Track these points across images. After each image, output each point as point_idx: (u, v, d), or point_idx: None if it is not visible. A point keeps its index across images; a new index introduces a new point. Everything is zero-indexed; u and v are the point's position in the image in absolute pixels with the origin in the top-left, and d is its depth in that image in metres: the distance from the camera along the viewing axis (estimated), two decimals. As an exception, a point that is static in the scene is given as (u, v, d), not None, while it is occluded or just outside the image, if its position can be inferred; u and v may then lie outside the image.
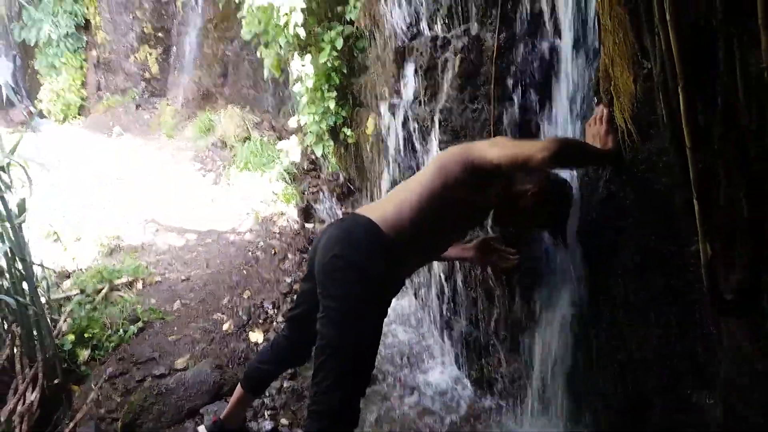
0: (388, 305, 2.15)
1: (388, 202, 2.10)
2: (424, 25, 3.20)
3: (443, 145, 2.73)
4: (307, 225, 5.18)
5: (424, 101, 3.06)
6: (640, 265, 1.84)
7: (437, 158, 2.07)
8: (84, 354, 3.92)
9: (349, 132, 5.09)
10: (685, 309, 1.67)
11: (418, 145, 3.29)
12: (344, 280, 1.96)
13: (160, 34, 10.58)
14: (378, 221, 2.00)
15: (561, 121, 2.30)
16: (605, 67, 1.87)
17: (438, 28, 2.99)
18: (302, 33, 4.84)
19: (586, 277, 2.14)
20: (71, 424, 3.19)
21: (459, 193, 1.97)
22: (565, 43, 2.23)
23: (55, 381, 3.50)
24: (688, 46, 1.37)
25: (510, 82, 2.42)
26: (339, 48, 4.85)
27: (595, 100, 2.02)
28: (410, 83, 3.29)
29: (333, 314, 1.96)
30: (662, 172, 1.68)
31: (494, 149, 1.91)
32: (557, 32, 2.27)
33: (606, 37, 1.80)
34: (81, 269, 4.85)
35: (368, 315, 2.00)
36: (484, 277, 2.71)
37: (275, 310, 3.80)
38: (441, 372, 3.19)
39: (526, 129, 2.42)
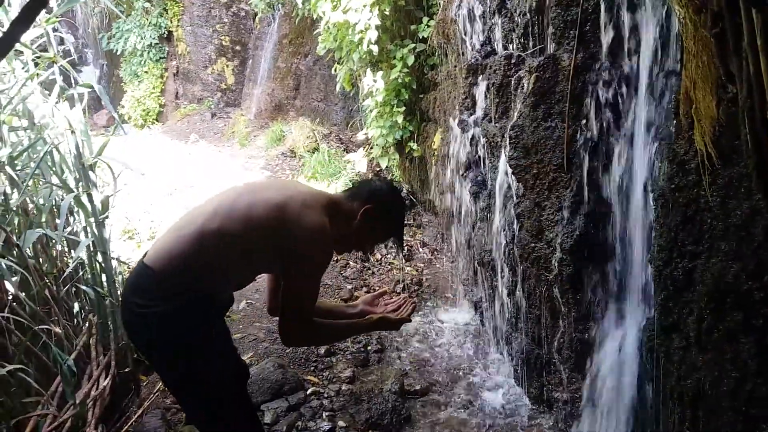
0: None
1: None
2: (498, 43, 3.25)
3: (513, 161, 2.75)
4: (369, 236, 5.26)
5: (495, 118, 3.09)
6: (716, 298, 1.78)
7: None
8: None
9: (415, 146, 5.17)
10: (765, 349, 1.60)
11: (486, 161, 3.33)
12: None
13: (237, 47, 11.03)
14: None
15: (637, 143, 2.29)
16: (686, 90, 1.86)
17: (512, 47, 3.04)
18: (375, 50, 4.97)
19: (658, 305, 2.11)
20: (139, 412, 3.35)
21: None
22: (644, 64, 2.23)
23: (126, 369, 3.68)
24: (777, 70, 1.36)
25: (586, 101, 2.43)
26: (410, 65, 4.95)
27: (674, 123, 2.01)
28: (481, 100, 3.33)
29: None
30: (743, 198, 1.65)
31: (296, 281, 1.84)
32: (637, 54, 2.28)
33: (688, 60, 1.79)
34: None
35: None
36: (550, 294, 2.70)
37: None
38: (498, 387, 3.18)
39: (601, 149, 2.42)
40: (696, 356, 1.93)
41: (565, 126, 2.49)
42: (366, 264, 4.66)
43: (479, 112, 3.40)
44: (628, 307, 2.41)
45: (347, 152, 6.58)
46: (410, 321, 2.19)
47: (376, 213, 1.97)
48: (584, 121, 2.45)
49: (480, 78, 3.35)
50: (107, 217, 3.75)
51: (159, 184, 6.66)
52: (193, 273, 1.81)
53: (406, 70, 4.99)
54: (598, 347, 2.52)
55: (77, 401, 3.13)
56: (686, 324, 1.96)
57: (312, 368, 3.32)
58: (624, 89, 2.35)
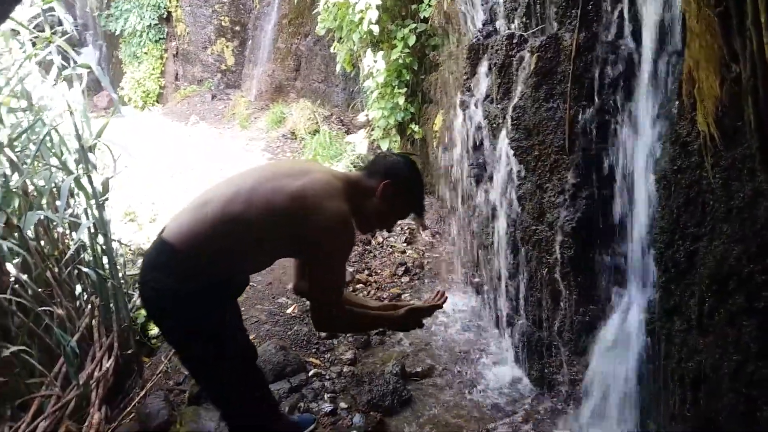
0: None
1: None
2: (500, 23, 3.21)
3: (514, 143, 2.73)
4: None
5: (497, 99, 3.06)
6: (718, 280, 1.76)
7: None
8: (155, 328, 4.13)
9: (416, 128, 5.14)
10: (767, 332, 1.58)
11: (487, 143, 3.30)
12: None
13: (237, 28, 10.93)
14: None
15: (639, 124, 2.27)
16: (689, 70, 1.83)
17: (514, 26, 3.00)
18: (376, 30, 4.92)
19: (660, 287, 2.10)
20: (142, 393, 3.37)
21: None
22: (647, 44, 2.19)
23: (129, 351, 3.71)
24: (782, 49, 1.34)
25: (588, 82, 2.40)
26: (411, 45, 4.91)
27: (677, 104, 1.99)
28: (483, 80, 3.30)
29: None
30: (746, 180, 1.63)
31: (321, 268, 1.87)
32: (639, 34, 2.24)
33: (692, 40, 1.77)
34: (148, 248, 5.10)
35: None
36: (551, 277, 2.70)
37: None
38: (500, 369, 3.19)
39: (603, 130, 2.40)
40: (697, 339, 1.93)
41: (567, 107, 2.46)
42: (367, 247, 4.66)
43: (481, 93, 3.37)
44: (630, 289, 2.40)
45: (348, 134, 6.56)
46: (441, 307, 2.18)
47: (395, 189, 1.96)
48: (586, 102, 2.43)
49: (481, 58, 3.32)
50: (107, 199, 3.75)
51: (160, 167, 6.65)
52: (213, 256, 1.83)
53: (407, 50, 4.95)
54: (599, 330, 2.52)
55: (80, 382, 3.15)
56: (688, 306, 1.96)
57: (314, 350, 3.34)
58: (626, 70, 2.32)
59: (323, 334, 3.43)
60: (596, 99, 2.40)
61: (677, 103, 1.98)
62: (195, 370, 2.04)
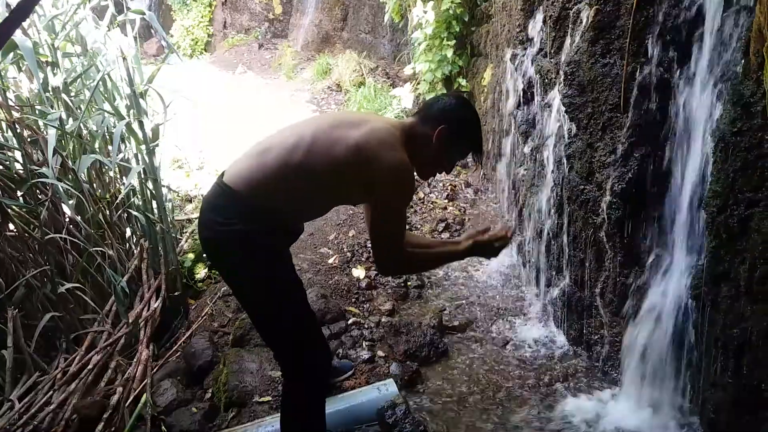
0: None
1: None
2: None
3: (566, 99, 2.65)
4: (413, 173, 5.23)
5: (550, 53, 2.97)
6: None
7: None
8: (201, 272, 4.26)
9: (464, 82, 5.04)
10: None
11: (537, 98, 3.22)
12: None
13: (285, -25, 10.79)
14: None
15: (699, 83, 2.17)
16: (759, 27, 1.74)
17: (573, -23, 2.87)
18: (427, -22, 4.79)
19: (709, 252, 2.05)
20: (187, 333, 3.51)
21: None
22: (714, -1, 2.08)
23: (176, 293, 3.85)
24: None
25: (648, 38, 2.30)
26: (463, -5, 4.77)
27: (742, 62, 1.89)
28: (537, 34, 3.19)
29: None
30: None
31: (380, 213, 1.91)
32: (707, -14, 2.13)
33: (765, -6, 1.67)
34: (202, 195, 5.22)
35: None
36: (596, 238, 2.66)
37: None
38: (537, 327, 3.19)
39: (661, 88, 2.31)
40: (745, 306, 1.89)
41: (624, 63, 2.37)
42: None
43: (534, 47, 3.27)
44: (676, 253, 2.35)
45: (393, 87, 6.47)
46: (508, 245, 2.18)
47: (451, 132, 1.95)
48: (644, 59, 2.33)
49: (536, 10, 3.21)
50: (158, 145, 3.83)
51: (207, 115, 6.73)
52: (273, 203, 1.89)
53: (458, 0, 4.81)
54: (642, 292, 2.49)
55: (130, 321, 3.30)
56: (737, 273, 1.91)
57: (353, 300, 3.39)
58: (690, 25, 2.21)
59: (363, 285, 3.48)
60: (655, 56, 2.30)
61: (743, 61, 1.89)
62: (252, 308, 2.09)
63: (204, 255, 3.98)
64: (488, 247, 2.14)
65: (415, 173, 1.98)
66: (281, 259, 1.99)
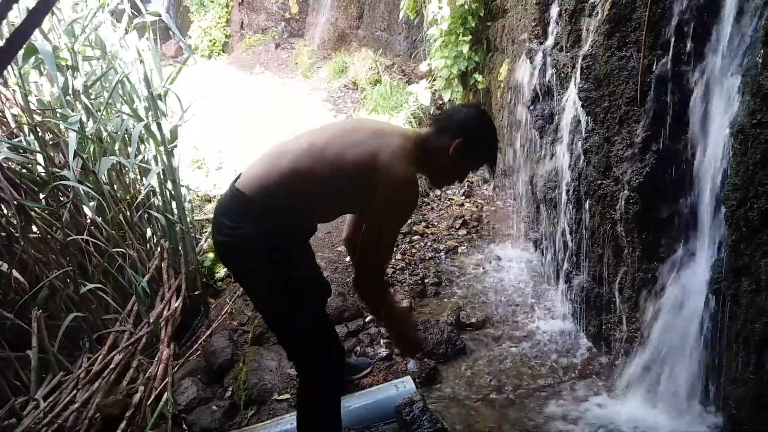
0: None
1: None
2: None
3: (583, 93, 2.63)
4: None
5: (566, 47, 2.94)
6: None
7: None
8: (221, 271, 4.30)
9: (480, 78, 5.01)
10: None
11: (554, 93, 3.19)
12: None
13: (301, -25, 10.82)
14: None
15: (718, 75, 2.13)
16: (779, 16, 1.71)
17: (588, -30, 2.84)
18: (442, -26, 4.77)
19: (729, 246, 2.01)
20: (208, 332, 3.55)
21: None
22: (733, -13, 2.04)
23: (195, 292, 3.89)
24: None
25: (665, 29, 2.26)
26: (478, -10, 4.74)
27: (761, 53, 1.85)
28: (553, 27, 3.17)
29: None
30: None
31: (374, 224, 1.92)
32: (724, -25, 2.09)
33: (785, -19, 1.64)
34: (221, 195, 5.26)
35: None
36: (614, 233, 2.63)
37: (394, 248, 3.92)
38: (555, 323, 3.17)
39: (678, 81, 2.27)
40: (766, 300, 1.86)
41: (640, 56, 2.34)
42: (425, 199, 4.65)
43: (549, 41, 3.24)
44: (695, 247, 2.32)
45: (409, 84, 6.46)
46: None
47: (468, 145, 1.96)
48: (661, 51, 2.29)
49: (552, 3, 3.17)
50: (176, 146, 3.87)
51: (225, 116, 6.78)
52: (283, 206, 1.91)
53: (473, -4, 4.78)
54: (661, 288, 2.46)
55: (151, 320, 3.35)
56: (758, 266, 1.87)
57: (370, 298, 3.40)
58: (707, 16, 2.17)
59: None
60: (672, 48, 2.27)
61: (762, 52, 1.85)
62: (266, 309, 2.12)
63: (217, 258, 4.02)
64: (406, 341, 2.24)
65: (426, 185, 1.99)
66: (293, 258, 2.00)
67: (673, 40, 2.25)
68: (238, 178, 2.00)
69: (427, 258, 3.94)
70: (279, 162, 1.92)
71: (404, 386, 2.48)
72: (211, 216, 4.84)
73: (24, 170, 3.28)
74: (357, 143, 1.90)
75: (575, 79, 2.74)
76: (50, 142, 3.43)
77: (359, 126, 2.11)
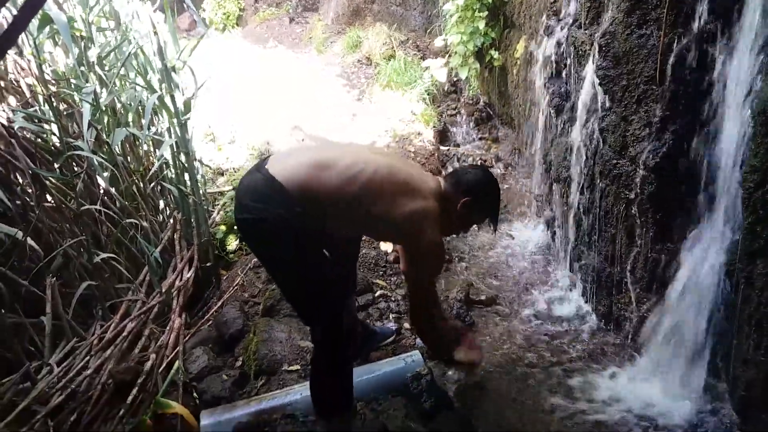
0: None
1: None
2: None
3: (601, 71, 2.59)
4: (442, 147, 5.20)
5: (585, 24, 2.89)
6: None
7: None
8: (233, 243, 4.32)
9: (496, 54, 4.95)
10: None
11: (571, 71, 3.15)
12: None
13: (316, -53, 10.66)
14: None
15: (740, 54, 2.09)
16: (805, -8, 1.66)
17: (610, -56, 2.78)
18: (459, -53, 4.69)
19: (745, 228, 1.99)
20: (219, 303, 3.58)
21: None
22: (760, -37, 1.99)
23: (207, 264, 3.92)
24: None
25: (686, 7, 2.22)
26: (496, -36, 4.66)
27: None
28: (571, 4, 3.11)
29: None
30: None
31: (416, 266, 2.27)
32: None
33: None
34: (234, 168, 5.27)
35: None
36: (628, 213, 2.61)
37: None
38: (566, 303, 3.17)
39: (699, 60, 2.23)
40: (781, 283, 1.85)
41: (661, 34, 2.29)
42: (438, 178, 4.63)
43: (568, 18, 3.19)
44: (710, 229, 2.30)
45: (424, 59, 6.38)
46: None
47: (474, 203, 2.26)
48: (682, 30, 2.25)
49: (571, -20, 3.12)
50: (189, 118, 3.87)
51: (238, 89, 6.75)
52: (319, 213, 2.00)
53: (490, -30, 4.70)
54: (674, 269, 2.44)
55: (163, 290, 3.37)
56: (774, 248, 1.86)
57: (381, 273, 3.41)
58: (732, -7, 2.12)
59: (390, 258, 3.50)
60: (694, 26, 2.22)
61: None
62: (283, 281, 2.19)
63: (239, 234, 4.05)
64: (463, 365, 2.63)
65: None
66: (317, 242, 2.10)
67: (695, 18, 2.20)
68: (264, 161, 2.05)
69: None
70: (327, 174, 2.00)
71: (412, 360, 2.49)
72: (225, 189, 4.86)
73: (39, 140, 3.29)
74: (403, 196, 2.10)
75: (593, 56, 2.70)
76: (65, 113, 3.43)
77: (401, 167, 2.22)
